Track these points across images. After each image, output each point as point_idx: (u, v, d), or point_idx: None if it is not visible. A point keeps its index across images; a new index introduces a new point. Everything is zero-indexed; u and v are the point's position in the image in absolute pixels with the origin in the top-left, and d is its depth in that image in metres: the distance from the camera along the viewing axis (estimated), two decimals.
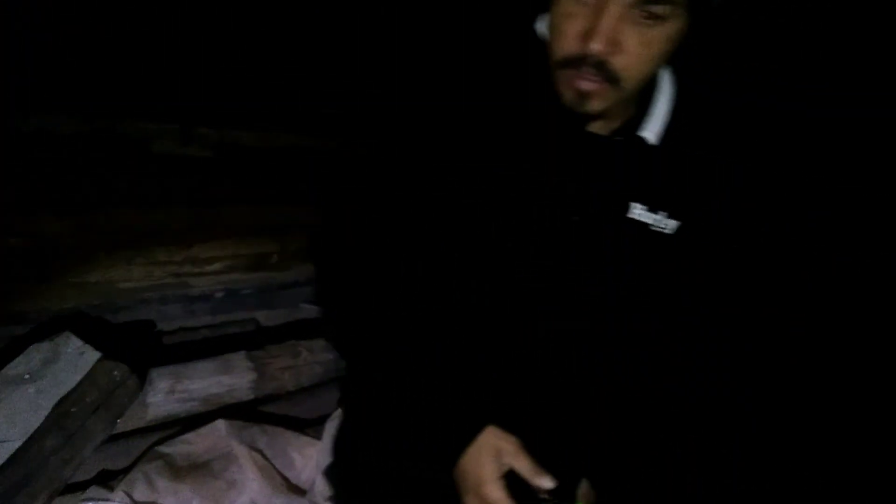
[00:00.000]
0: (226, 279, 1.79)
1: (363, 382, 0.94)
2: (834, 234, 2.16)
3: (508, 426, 0.85)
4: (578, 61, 0.74)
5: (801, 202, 2.27)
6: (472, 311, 0.91)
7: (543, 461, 0.84)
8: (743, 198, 0.98)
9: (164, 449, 1.34)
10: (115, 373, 1.40)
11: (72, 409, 1.28)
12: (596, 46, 0.71)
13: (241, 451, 1.34)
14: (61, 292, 1.53)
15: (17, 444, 1.18)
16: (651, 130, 0.88)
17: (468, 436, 0.83)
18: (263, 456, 1.35)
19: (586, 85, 0.75)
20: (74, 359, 1.39)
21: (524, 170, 0.84)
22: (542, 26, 0.86)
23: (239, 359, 1.57)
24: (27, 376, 1.31)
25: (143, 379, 1.46)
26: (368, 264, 0.90)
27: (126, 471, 1.29)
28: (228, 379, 1.54)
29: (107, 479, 1.27)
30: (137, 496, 1.23)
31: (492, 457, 0.82)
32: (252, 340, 1.66)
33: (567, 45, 0.74)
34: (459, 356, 0.87)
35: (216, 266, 1.78)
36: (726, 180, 0.96)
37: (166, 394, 1.45)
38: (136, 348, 1.55)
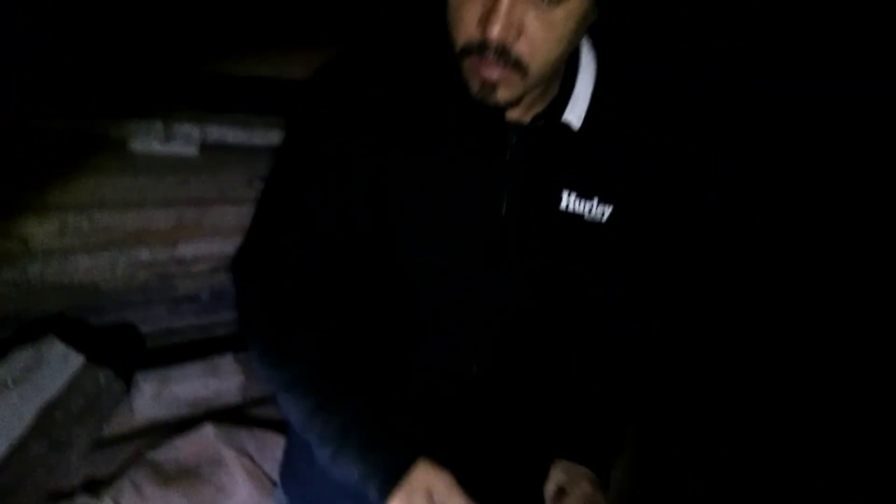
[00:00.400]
0: (212, 280, 1.76)
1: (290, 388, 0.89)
2: (813, 226, 2.18)
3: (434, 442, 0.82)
4: (480, 48, 0.71)
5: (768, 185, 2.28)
6: (393, 316, 0.89)
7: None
8: (676, 178, 0.96)
9: (151, 455, 1.32)
10: (100, 378, 1.38)
11: (56, 416, 1.26)
12: (495, 31, 0.68)
13: (229, 455, 1.32)
14: (43, 295, 1.49)
15: (1, 452, 1.16)
16: (574, 114, 0.84)
17: (396, 475, 0.78)
18: (252, 460, 1.34)
19: (491, 73, 0.72)
20: (58, 364, 1.36)
21: (445, 166, 0.81)
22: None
23: (226, 361, 1.56)
24: (9, 382, 1.28)
25: (128, 383, 1.43)
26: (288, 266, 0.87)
27: (113, 477, 1.27)
28: (216, 382, 1.52)
29: (94, 487, 1.25)
30: (125, 503, 1.21)
31: (423, 499, 0.77)
32: (240, 342, 1.63)
33: (466, 31, 0.71)
34: (375, 369, 0.85)
35: (202, 267, 1.75)
36: (656, 161, 0.94)
37: (153, 398, 1.43)
38: (121, 352, 1.52)
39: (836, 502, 1.80)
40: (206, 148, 2.01)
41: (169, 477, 1.27)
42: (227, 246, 1.79)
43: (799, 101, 2.18)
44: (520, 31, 0.70)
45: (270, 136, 2.20)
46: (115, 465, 1.29)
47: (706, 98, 2.23)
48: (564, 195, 0.86)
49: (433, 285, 0.86)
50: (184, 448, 1.33)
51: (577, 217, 0.87)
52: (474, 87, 0.75)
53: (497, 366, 0.92)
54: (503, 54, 0.71)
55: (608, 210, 0.89)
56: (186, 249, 1.72)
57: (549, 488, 0.91)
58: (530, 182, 0.84)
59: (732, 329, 2.20)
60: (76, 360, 1.38)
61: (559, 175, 0.86)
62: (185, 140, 1.97)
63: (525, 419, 0.99)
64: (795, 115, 2.21)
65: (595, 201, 0.88)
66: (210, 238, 1.76)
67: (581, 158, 0.86)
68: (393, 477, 0.79)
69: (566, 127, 0.85)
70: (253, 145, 2.08)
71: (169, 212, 1.74)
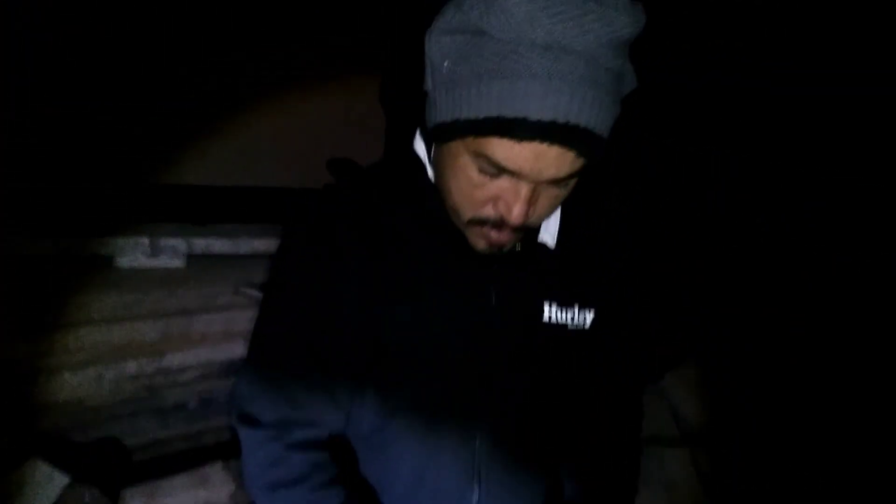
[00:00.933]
0: (200, 387, 1.75)
1: None
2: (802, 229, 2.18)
3: None
4: (496, 224, 0.75)
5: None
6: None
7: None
8: (675, 182, 0.98)
9: None
10: (86, 496, 1.34)
11: None
12: (519, 217, 0.73)
13: None
14: (27, 416, 1.48)
15: None
16: (548, 234, 0.89)
17: None
18: None
19: (503, 240, 0.77)
20: (43, 484, 1.33)
21: (430, 288, 0.82)
22: (420, 148, 0.86)
23: (216, 471, 1.52)
24: None
25: (115, 500, 1.40)
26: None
27: None
28: (205, 493, 1.48)
29: None
30: None
31: None
32: (229, 449, 1.60)
33: (477, 209, 0.75)
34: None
35: (189, 375, 1.75)
36: (628, 257, 0.97)
37: None
38: (108, 468, 1.49)
39: (836, 502, 1.73)
40: (193, 258, 2.06)
41: None
42: (215, 353, 1.80)
43: (799, 101, 2.22)
44: (532, 209, 0.74)
45: (255, 244, 2.26)
46: None
47: (706, 98, 2.28)
48: (546, 307, 0.88)
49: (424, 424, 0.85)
50: None
51: (561, 326, 0.89)
52: (480, 246, 0.79)
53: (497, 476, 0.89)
54: (517, 228, 0.75)
55: (590, 315, 0.91)
56: (173, 359, 1.72)
57: None
58: (514, 299, 0.86)
59: (732, 329, 2.17)
60: (60, 480, 1.35)
61: (540, 289, 0.88)
62: (171, 253, 2.02)
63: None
64: (795, 115, 2.25)
65: (577, 308, 0.90)
66: (197, 346, 1.77)
67: (558, 273, 0.89)
68: None
69: (543, 247, 0.89)
70: (238, 253, 2.13)
71: (156, 323, 1.75)
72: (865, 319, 2.02)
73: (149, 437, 1.63)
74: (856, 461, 1.81)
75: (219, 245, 2.12)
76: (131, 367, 1.63)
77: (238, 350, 1.82)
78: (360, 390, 0.84)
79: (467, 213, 0.76)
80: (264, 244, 2.18)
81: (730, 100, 2.39)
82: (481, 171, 0.71)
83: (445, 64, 0.69)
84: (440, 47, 0.69)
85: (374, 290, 0.81)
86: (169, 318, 1.77)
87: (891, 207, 2.08)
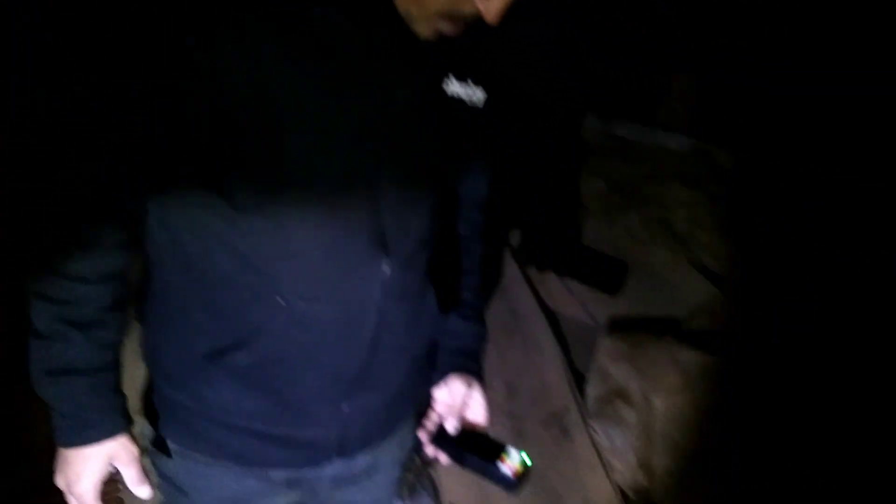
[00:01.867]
0: None
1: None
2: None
3: None
4: (457, 17, 0.74)
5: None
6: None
7: None
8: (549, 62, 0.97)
9: None
10: None
11: None
12: (496, 20, 0.72)
13: None
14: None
15: None
16: None
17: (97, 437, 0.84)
18: None
19: (456, 30, 0.75)
20: None
21: (333, 59, 0.76)
22: None
23: None
24: None
25: None
26: None
27: None
28: None
29: None
30: None
31: (103, 462, 0.85)
32: None
33: (456, 4, 0.73)
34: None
35: None
36: (531, 45, 0.94)
37: None
38: None
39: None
40: None
41: None
42: None
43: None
44: None
45: None
46: None
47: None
48: (449, 79, 0.86)
49: (314, 190, 0.80)
50: None
51: (460, 101, 0.88)
52: (427, 34, 0.76)
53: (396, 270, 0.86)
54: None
55: (482, 96, 0.90)
56: None
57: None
58: (421, 66, 0.83)
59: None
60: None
61: (443, 59, 0.85)
62: None
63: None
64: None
65: (471, 83, 0.88)
66: None
67: (460, 44, 0.84)
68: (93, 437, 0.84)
69: None
70: None
71: None
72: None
73: None
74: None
75: None
76: None
77: None
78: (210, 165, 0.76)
79: (432, 6, 0.73)
80: None
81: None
82: None
83: None
84: None
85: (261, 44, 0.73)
86: None
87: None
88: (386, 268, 0.84)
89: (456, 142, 0.91)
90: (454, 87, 0.86)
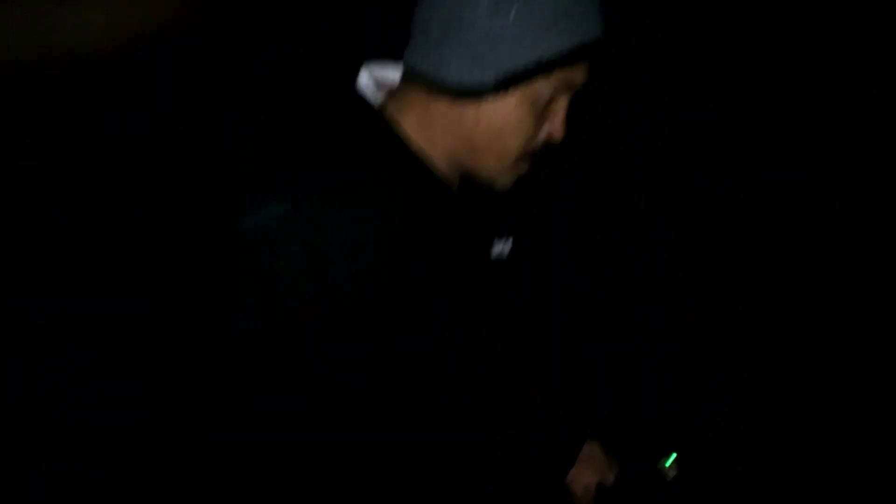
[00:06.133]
0: None
1: None
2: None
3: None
4: (534, 150, 0.77)
5: None
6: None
7: None
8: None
9: None
10: None
11: None
12: (561, 136, 0.76)
13: None
14: None
15: None
16: None
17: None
18: None
19: (529, 166, 0.78)
20: None
21: (433, 235, 0.78)
22: (368, 83, 0.79)
23: None
24: None
25: None
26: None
27: None
28: None
29: None
30: None
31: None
32: None
33: (531, 140, 0.75)
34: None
35: None
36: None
37: None
38: None
39: (836, 502, 1.71)
40: None
41: None
42: None
43: (799, 101, 2.24)
44: None
45: None
46: None
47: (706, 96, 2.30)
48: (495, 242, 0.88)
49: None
50: None
51: (499, 261, 0.89)
52: (505, 182, 0.78)
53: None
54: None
55: (508, 244, 0.90)
56: None
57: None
58: (475, 234, 0.85)
59: (732, 328, 2.16)
60: None
61: (486, 226, 0.87)
62: None
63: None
64: (795, 114, 2.26)
65: (505, 239, 0.89)
66: None
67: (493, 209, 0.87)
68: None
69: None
70: None
71: None
72: (865, 319, 2.02)
73: None
74: (856, 461, 1.81)
75: None
76: None
77: None
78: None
79: (523, 147, 0.76)
80: None
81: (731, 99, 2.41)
82: (551, 99, 0.74)
83: (512, 12, 0.69)
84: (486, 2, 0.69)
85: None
86: None
87: (891, 207, 2.09)
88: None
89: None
90: (497, 247, 0.87)
